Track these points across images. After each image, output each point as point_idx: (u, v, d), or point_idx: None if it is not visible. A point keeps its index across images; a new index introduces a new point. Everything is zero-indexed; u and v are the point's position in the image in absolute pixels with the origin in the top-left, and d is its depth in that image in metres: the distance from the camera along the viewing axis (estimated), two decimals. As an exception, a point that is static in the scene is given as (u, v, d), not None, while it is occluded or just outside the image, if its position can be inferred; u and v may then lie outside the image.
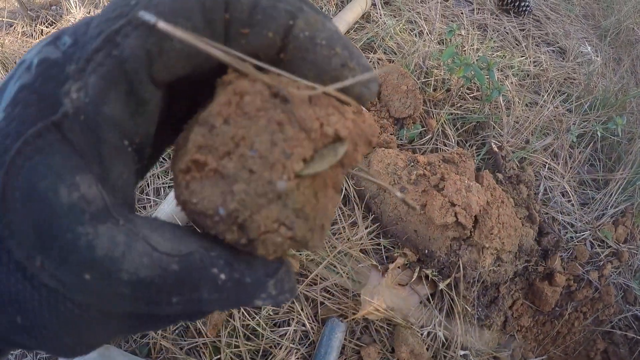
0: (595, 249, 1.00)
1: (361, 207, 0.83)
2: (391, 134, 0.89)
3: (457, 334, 0.80)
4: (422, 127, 0.91)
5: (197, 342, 0.80)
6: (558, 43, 1.21)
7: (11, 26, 1.51)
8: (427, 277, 0.80)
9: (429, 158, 0.83)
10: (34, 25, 1.47)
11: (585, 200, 1.03)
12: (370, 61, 1.01)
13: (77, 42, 0.14)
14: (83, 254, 0.13)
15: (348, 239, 0.79)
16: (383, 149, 0.85)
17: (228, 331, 0.79)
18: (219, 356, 0.78)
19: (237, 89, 0.15)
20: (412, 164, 0.82)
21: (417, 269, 0.80)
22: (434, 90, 0.96)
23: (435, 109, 0.94)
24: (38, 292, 0.13)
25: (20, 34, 1.49)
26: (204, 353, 0.79)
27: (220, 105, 0.15)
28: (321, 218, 0.16)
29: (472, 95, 1.01)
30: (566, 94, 1.09)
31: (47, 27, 1.44)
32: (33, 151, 0.13)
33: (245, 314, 0.80)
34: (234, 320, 0.79)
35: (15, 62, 1.39)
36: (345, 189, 0.85)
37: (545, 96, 1.04)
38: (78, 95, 0.14)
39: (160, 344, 0.82)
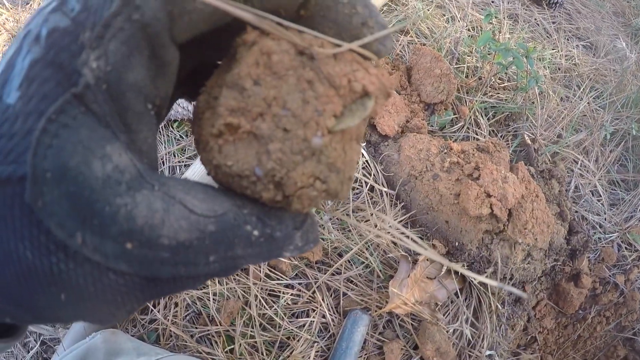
0: (623, 251, 0.95)
1: (390, 194, 0.78)
2: (422, 120, 0.83)
3: (485, 332, 0.75)
4: (454, 114, 0.86)
5: (209, 330, 0.74)
6: (589, 38, 1.16)
7: (27, 3, 1.44)
8: (456, 271, 0.75)
9: (463, 146, 0.78)
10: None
11: (615, 200, 0.98)
12: (400, 44, 0.95)
13: (87, 7, 0.13)
14: (123, 225, 0.13)
15: (375, 226, 0.73)
16: (415, 134, 0.79)
17: (244, 320, 0.73)
18: (232, 346, 0.72)
19: (263, 49, 0.14)
20: (445, 151, 0.77)
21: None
22: (466, 77, 0.90)
23: (467, 96, 0.88)
24: (82, 268, 0.13)
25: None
26: (216, 342, 0.73)
27: (248, 66, 0.14)
28: (349, 170, 0.16)
29: (502, 85, 0.96)
30: (599, 91, 1.04)
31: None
32: (58, 128, 0.12)
33: (263, 302, 0.74)
34: (250, 309, 0.73)
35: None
36: (373, 175, 0.79)
37: (579, 92, 0.99)
38: (98, 64, 0.13)
39: (170, 330, 0.76)
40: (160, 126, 0.18)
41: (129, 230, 0.13)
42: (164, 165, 0.92)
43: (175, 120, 0.97)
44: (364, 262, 0.72)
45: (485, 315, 0.74)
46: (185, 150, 0.93)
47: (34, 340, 0.74)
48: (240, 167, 0.15)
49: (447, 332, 0.74)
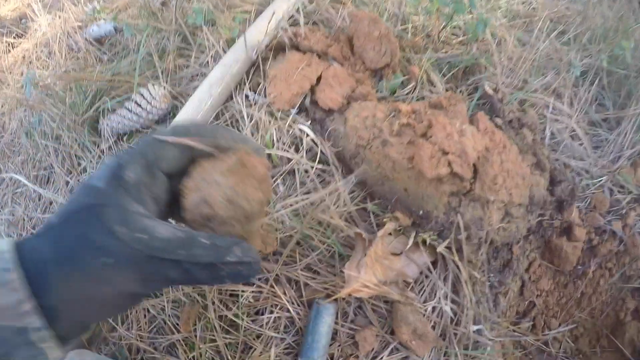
0: (616, 195, 0.83)
1: (341, 169, 0.68)
2: (370, 87, 0.73)
3: (467, 306, 0.64)
4: (404, 75, 0.75)
5: (171, 339, 0.66)
6: (546, -19, 1.04)
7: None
8: (425, 242, 0.64)
9: (414, 106, 0.67)
10: (4, 40, 1.36)
11: (598, 142, 0.85)
12: (340, 16, 0.85)
13: (129, 155, 0.33)
14: (140, 225, 0.29)
15: (328, 207, 0.63)
16: (359, 102, 0.69)
17: (203, 324, 0.64)
18: (194, 353, 0.63)
19: (201, 164, 0.34)
20: (394, 114, 0.66)
21: (413, 234, 0.64)
22: (413, 35, 0.80)
23: (416, 55, 0.78)
24: (119, 244, 0.28)
25: (-9, 52, 1.38)
26: (180, 350, 0.64)
27: (195, 169, 0.33)
28: (251, 195, 0.33)
29: (456, 40, 0.85)
30: (562, 30, 0.92)
31: (14, 38, 1.33)
32: (119, 197, 0.30)
33: (221, 306, 0.65)
34: (208, 312, 0.64)
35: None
36: (321, 153, 0.69)
37: (538, 33, 0.87)
38: (131, 175, 0.31)
39: (137, 344, 0.68)
40: (164, 213, 0.37)
41: (143, 229, 0.29)
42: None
43: (124, 134, 0.90)
44: (319, 247, 0.62)
45: (465, 288, 0.63)
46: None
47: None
48: (191, 201, 0.32)
49: (426, 310, 0.63)
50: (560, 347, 0.79)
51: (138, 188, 0.31)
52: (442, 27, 0.78)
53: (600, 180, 0.82)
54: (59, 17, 1.21)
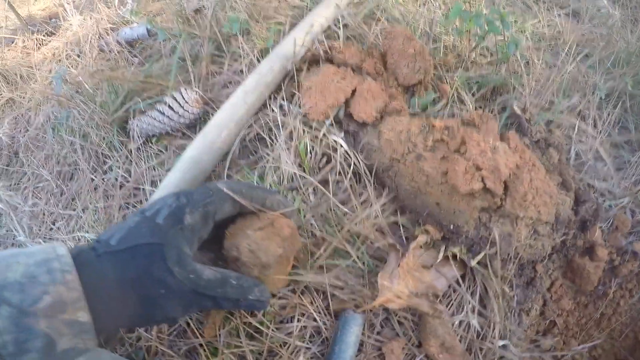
0: (637, 216, 0.83)
1: (374, 183, 0.68)
2: (402, 102, 0.74)
3: (495, 320, 0.64)
4: (435, 93, 0.76)
5: (193, 343, 0.65)
6: (570, 5, 1.05)
7: (12, 42, 1.42)
8: (455, 256, 0.64)
9: (447, 122, 0.68)
10: (33, 37, 1.37)
11: (620, 164, 0.86)
12: (373, 32, 0.86)
13: (189, 201, 0.43)
14: (191, 267, 0.41)
15: (360, 219, 0.63)
16: (394, 116, 0.70)
17: (228, 330, 0.64)
18: (217, 358, 0.63)
19: (245, 217, 0.49)
20: (428, 129, 0.67)
21: (443, 248, 0.64)
22: (445, 55, 0.81)
23: (447, 74, 0.79)
24: (174, 279, 0.39)
25: (21, 48, 1.40)
26: (201, 354, 0.64)
27: (239, 221, 0.48)
28: (272, 250, 0.46)
29: (485, 61, 0.86)
30: (586, 54, 0.93)
31: (44, 36, 1.34)
32: (175, 235, 0.41)
33: (246, 313, 0.64)
34: (234, 318, 0.64)
35: (16, 74, 1.33)
36: (354, 165, 0.70)
37: (564, 55, 0.88)
38: (189, 219, 0.42)
39: (156, 346, 0.67)
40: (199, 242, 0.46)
41: (193, 270, 0.41)
42: (144, 177, 0.85)
43: (153, 136, 0.90)
44: (348, 258, 0.62)
45: (493, 302, 0.63)
46: (164, 163, 0.85)
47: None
48: (227, 244, 0.47)
49: (453, 324, 0.63)
50: (579, 368, 0.78)
51: (192, 231, 0.42)
52: (473, 47, 0.79)
53: (623, 202, 0.82)
54: (91, 17, 1.23)
